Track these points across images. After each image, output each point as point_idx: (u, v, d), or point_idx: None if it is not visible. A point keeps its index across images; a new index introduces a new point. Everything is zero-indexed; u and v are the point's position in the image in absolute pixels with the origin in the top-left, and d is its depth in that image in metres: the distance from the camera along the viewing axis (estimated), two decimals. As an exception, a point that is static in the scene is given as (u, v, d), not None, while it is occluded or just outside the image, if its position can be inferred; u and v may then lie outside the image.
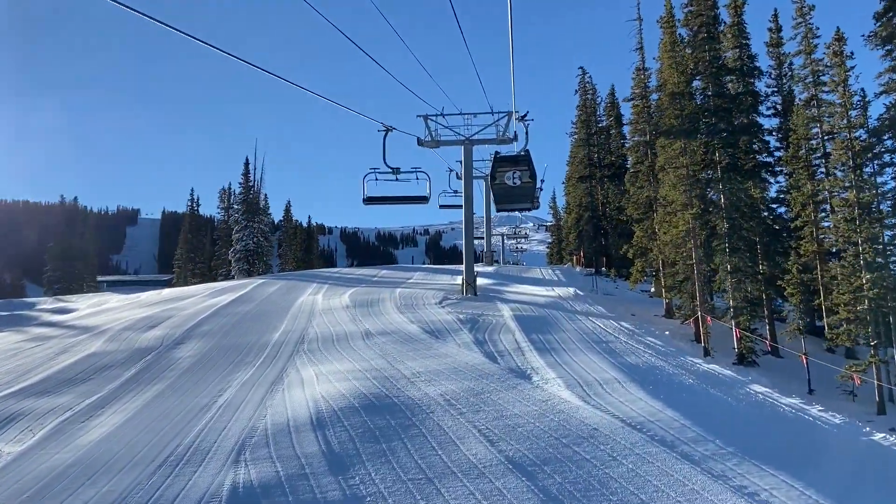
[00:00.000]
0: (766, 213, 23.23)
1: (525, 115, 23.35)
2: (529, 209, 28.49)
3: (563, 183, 55.63)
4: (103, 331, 21.31)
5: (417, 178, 22.37)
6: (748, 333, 20.40)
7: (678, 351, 16.66)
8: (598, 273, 39.99)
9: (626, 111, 46.16)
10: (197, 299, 28.22)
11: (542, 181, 32.04)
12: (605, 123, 46.52)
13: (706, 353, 20.67)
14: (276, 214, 75.27)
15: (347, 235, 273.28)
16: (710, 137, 22.53)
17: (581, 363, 14.77)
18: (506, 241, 70.70)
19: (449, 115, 25.41)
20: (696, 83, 23.95)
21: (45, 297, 56.95)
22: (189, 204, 72.71)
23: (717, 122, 22.48)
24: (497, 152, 23.72)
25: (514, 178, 21.91)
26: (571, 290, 26.31)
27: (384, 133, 22.06)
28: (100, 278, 78.83)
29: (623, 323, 19.81)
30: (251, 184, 50.41)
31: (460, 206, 32.20)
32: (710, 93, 22.72)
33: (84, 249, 72.25)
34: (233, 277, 48.28)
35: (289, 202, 76.06)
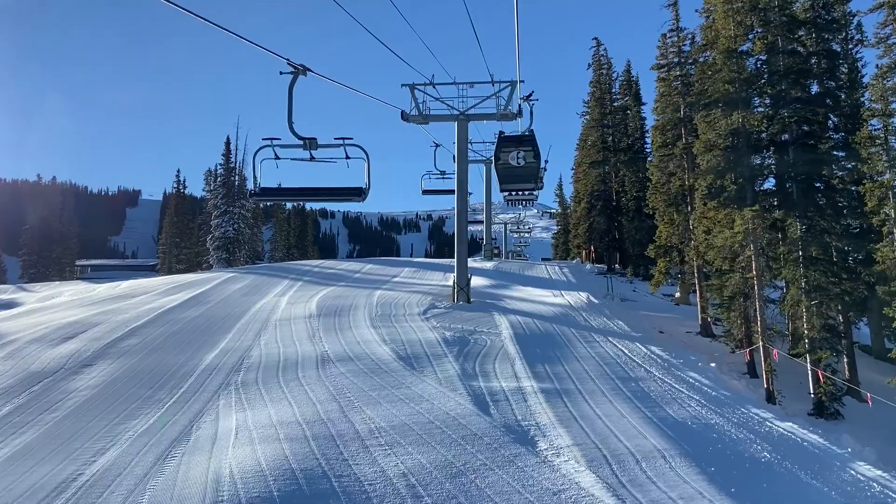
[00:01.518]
0: (845, 209, 18.17)
1: (530, 95, 21.42)
2: (533, 189, 25.78)
3: (572, 169, 51.04)
4: (9, 342, 17.32)
5: (348, 157, 11.45)
6: (832, 377, 15.57)
7: (735, 396, 12.52)
8: (612, 271, 35.69)
9: (646, 87, 41.57)
10: (146, 298, 24.30)
11: (547, 161, 29.15)
12: (620, 103, 41.76)
13: (769, 397, 16.16)
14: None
15: (350, 220, 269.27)
16: (775, 109, 17.72)
17: (605, 418, 10.72)
18: (508, 232, 66.13)
19: (441, 85, 21.31)
20: (746, 46, 19.26)
21: (15, 283, 53.79)
22: (175, 186, 68.19)
23: (788, 88, 17.62)
24: (501, 132, 21.14)
25: (518, 158, 19.79)
26: (584, 295, 22.20)
27: (292, 77, 10.93)
28: (81, 262, 75.00)
29: (652, 347, 15.65)
30: (232, 165, 45.97)
31: (449, 192, 27.75)
32: (780, 50, 17.73)
33: (64, 232, 68.47)
34: (211, 267, 44.39)
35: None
